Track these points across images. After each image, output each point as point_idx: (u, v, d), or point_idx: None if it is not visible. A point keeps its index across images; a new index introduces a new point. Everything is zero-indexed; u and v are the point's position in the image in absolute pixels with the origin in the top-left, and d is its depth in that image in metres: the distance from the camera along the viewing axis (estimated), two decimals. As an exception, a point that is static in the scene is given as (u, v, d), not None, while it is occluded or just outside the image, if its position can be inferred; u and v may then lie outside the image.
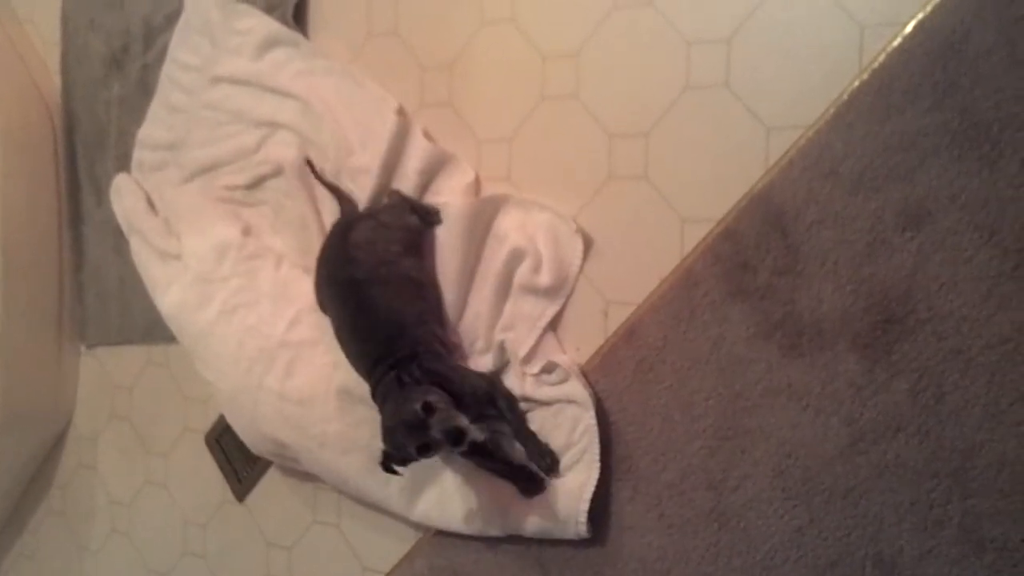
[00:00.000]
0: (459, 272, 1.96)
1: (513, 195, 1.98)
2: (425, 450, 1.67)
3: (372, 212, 2.05)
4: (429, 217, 2.01)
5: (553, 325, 1.91)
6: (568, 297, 1.90)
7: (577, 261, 1.88)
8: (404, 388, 1.73)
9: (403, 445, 1.68)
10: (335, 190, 2.14)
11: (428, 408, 1.64)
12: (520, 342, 1.90)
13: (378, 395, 1.82)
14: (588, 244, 1.88)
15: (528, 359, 1.89)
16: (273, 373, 2.13)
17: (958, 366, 1.50)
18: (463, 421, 1.66)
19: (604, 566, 1.83)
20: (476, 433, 1.69)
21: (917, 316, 1.54)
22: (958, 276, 1.50)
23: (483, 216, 1.97)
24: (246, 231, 2.32)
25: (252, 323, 2.20)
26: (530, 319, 1.91)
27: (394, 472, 1.77)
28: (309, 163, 2.19)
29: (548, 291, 1.89)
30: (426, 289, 1.94)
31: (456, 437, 1.64)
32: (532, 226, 1.93)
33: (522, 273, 1.92)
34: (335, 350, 1.98)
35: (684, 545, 1.74)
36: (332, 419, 2.07)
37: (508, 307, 1.94)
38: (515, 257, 1.92)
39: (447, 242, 1.97)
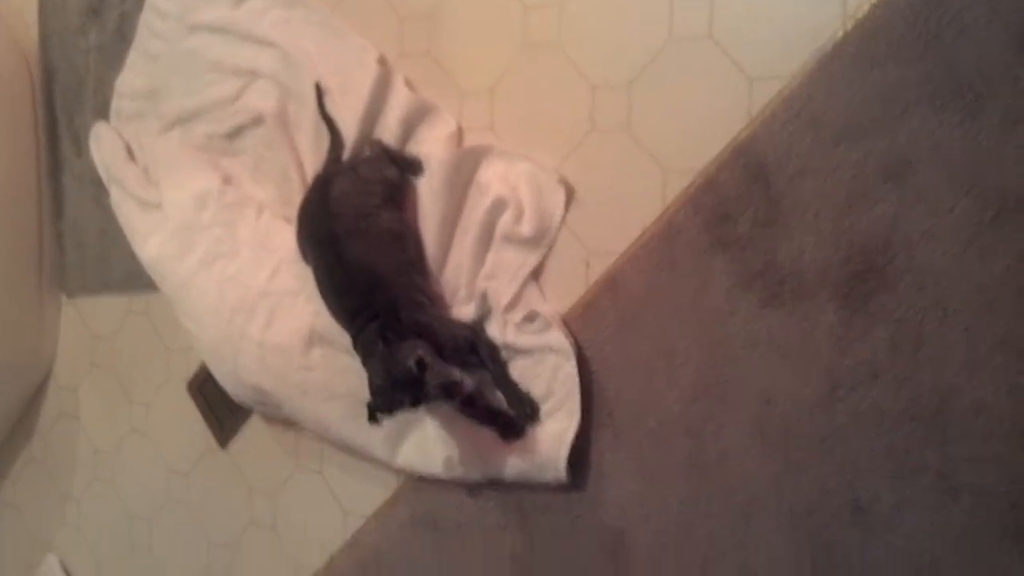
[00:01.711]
0: (441, 222, 1.95)
1: (495, 145, 1.98)
2: (418, 404, 1.69)
3: (352, 165, 2.04)
4: (411, 168, 2.00)
5: (535, 275, 1.91)
6: (550, 247, 1.90)
7: (559, 211, 1.88)
8: (390, 345, 1.73)
9: (398, 401, 1.69)
10: (331, 125, 2.11)
11: (422, 364, 1.66)
12: (502, 291, 1.90)
13: (359, 346, 1.84)
14: (571, 194, 1.88)
15: (510, 308, 1.89)
16: (254, 322, 2.14)
17: (936, 315, 1.52)
18: (457, 374, 1.69)
19: (584, 512, 1.86)
20: (470, 384, 1.70)
21: (896, 266, 1.55)
22: (938, 226, 1.51)
23: (465, 166, 1.96)
24: (226, 180, 2.31)
25: (232, 272, 2.20)
26: (512, 268, 1.91)
27: (378, 422, 1.78)
28: (318, 88, 2.14)
29: (530, 240, 1.89)
30: (406, 241, 1.94)
31: (452, 391, 1.66)
32: (514, 176, 1.93)
33: (504, 223, 1.92)
34: (316, 299, 1.99)
35: (663, 492, 1.77)
36: (313, 367, 2.07)
37: (490, 257, 1.94)
38: (497, 207, 1.92)
39: (429, 193, 1.96)
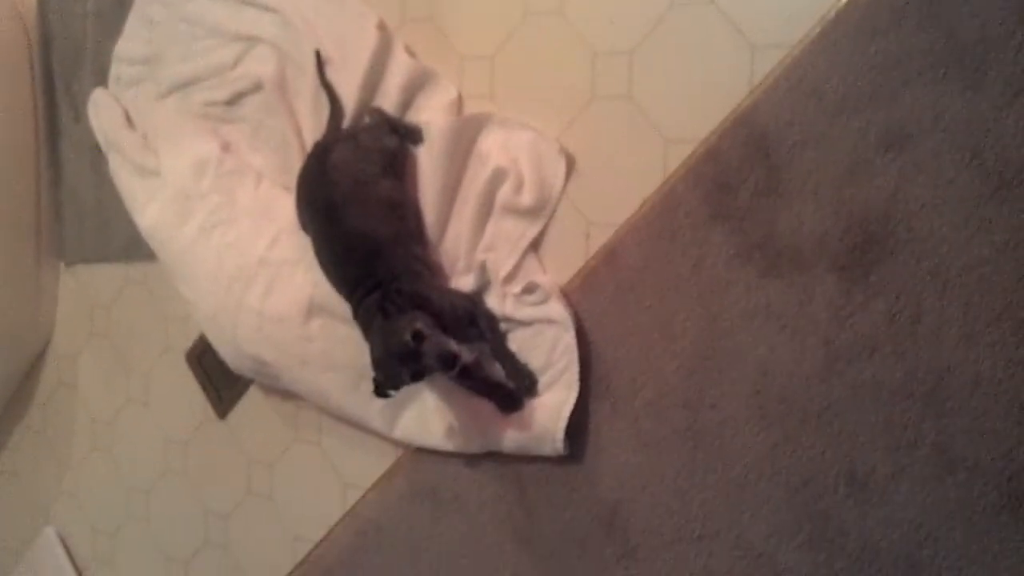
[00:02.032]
0: (440, 192, 1.94)
1: (496, 114, 1.96)
2: (419, 377, 1.69)
3: (352, 133, 2.03)
4: (411, 136, 1.99)
5: (535, 246, 1.90)
6: (550, 218, 1.89)
7: (559, 182, 1.87)
8: (389, 318, 1.73)
9: (397, 374, 1.70)
10: (331, 92, 2.10)
11: (418, 336, 1.65)
12: (501, 262, 1.89)
13: (359, 317, 1.84)
14: (571, 164, 1.87)
15: (509, 279, 1.89)
16: (253, 291, 2.13)
17: (936, 288, 1.51)
18: (453, 346, 1.68)
19: (582, 483, 1.86)
20: (467, 355, 1.70)
21: (896, 238, 1.54)
22: (939, 198, 1.50)
23: (465, 135, 1.95)
24: (225, 147, 2.30)
25: (231, 240, 2.19)
26: (511, 239, 1.90)
27: (388, 396, 1.79)
28: (318, 57, 2.12)
29: (530, 211, 1.88)
30: (405, 210, 1.93)
31: (449, 362, 1.66)
32: (515, 146, 1.92)
33: (504, 193, 1.91)
34: (315, 269, 1.98)
35: (660, 462, 1.77)
36: (313, 337, 2.07)
37: (489, 227, 1.93)
38: (497, 177, 1.91)
39: (428, 161, 1.95)
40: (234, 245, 2.18)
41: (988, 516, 1.48)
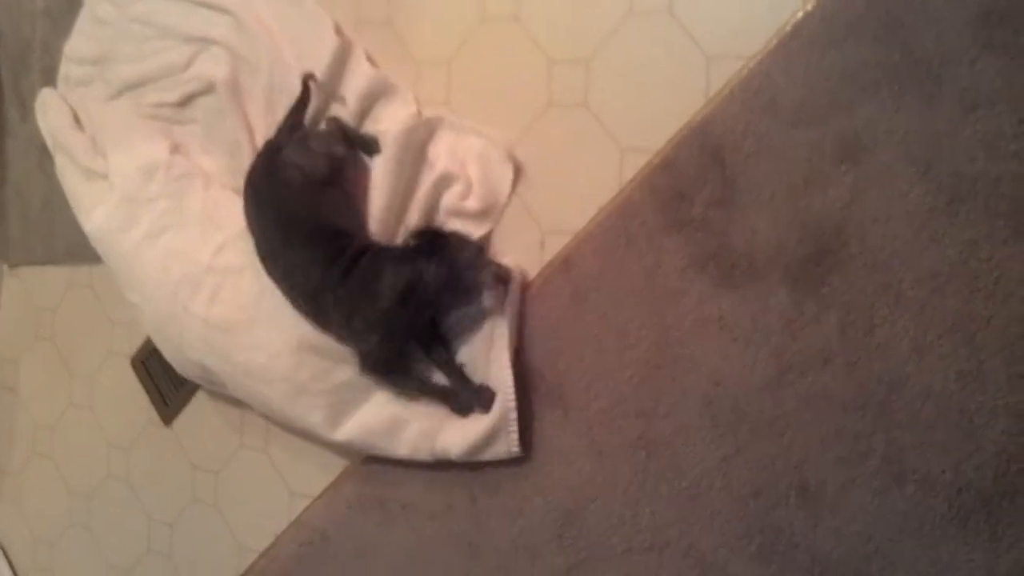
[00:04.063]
0: (390, 196, 1.93)
1: (446, 117, 1.96)
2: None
3: (303, 136, 2.00)
4: (366, 147, 1.98)
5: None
6: (497, 222, 1.88)
7: (507, 188, 1.87)
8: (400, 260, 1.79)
9: (413, 314, 1.79)
10: (305, 95, 2.06)
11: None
12: None
13: (350, 284, 1.82)
14: (519, 170, 1.87)
15: None
16: (198, 298, 2.09)
17: (888, 300, 1.52)
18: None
19: (533, 493, 1.84)
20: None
21: (849, 250, 1.55)
22: (892, 210, 1.51)
23: (415, 139, 1.94)
24: (174, 149, 2.26)
25: (178, 246, 2.15)
26: None
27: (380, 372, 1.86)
28: (308, 82, 2.07)
29: (476, 215, 1.88)
30: (351, 217, 1.94)
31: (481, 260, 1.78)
32: (463, 151, 1.91)
33: (450, 197, 1.90)
34: (262, 276, 1.95)
35: (613, 472, 1.76)
36: (257, 347, 2.03)
37: None
38: (444, 181, 1.90)
39: (381, 165, 1.93)
40: (180, 251, 2.14)
41: (937, 528, 1.49)
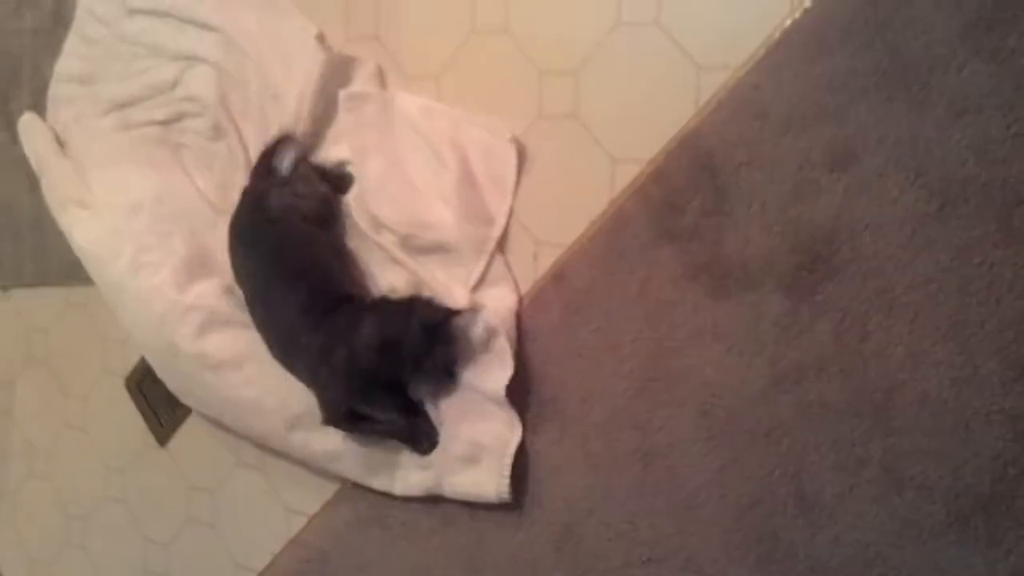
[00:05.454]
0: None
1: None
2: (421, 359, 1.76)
3: (283, 181, 1.99)
4: (338, 185, 1.99)
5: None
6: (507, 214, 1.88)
7: (512, 173, 1.87)
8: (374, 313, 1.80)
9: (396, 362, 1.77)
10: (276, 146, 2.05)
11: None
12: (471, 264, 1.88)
13: (324, 332, 1.83)
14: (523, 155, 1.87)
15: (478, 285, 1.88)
16: (184, 334, 2.07)
17: (882, 306, 1.52)
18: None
19: (531, 506, 1.84)
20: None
21: (842, 257, 1.54)
22: (883, 217, 1.51)
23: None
24: (165, 182, 2.25)
25: (157, 284, 2.11)
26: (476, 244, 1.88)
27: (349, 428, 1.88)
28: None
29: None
30: (344, 258, 1.97)
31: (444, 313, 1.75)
32: (464, 141, 1.91)
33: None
34: (247, 317, 1.99)
35: (609, 484, 1.75)
36: (248, 383, 2.04)
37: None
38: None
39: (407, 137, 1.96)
40: (160, 288, 2.11)
41: (936, 534, 1.49)
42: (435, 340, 1.75)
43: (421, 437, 1.88)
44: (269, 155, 2.02)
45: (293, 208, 1.91)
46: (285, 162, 2.00)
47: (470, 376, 1.83)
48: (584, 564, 1.79)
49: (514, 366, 1.77)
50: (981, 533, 1.46)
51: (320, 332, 1.82)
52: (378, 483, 1.97)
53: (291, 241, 1.89)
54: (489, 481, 1.82)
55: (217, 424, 2.24)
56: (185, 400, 2.23)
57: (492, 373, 1.79)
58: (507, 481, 1.80)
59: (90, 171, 2.33)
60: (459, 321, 1.76)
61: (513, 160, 1.85)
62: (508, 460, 1.80)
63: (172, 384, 2.21)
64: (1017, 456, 1.44)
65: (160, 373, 2.22)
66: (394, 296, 1.85)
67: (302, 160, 2.02)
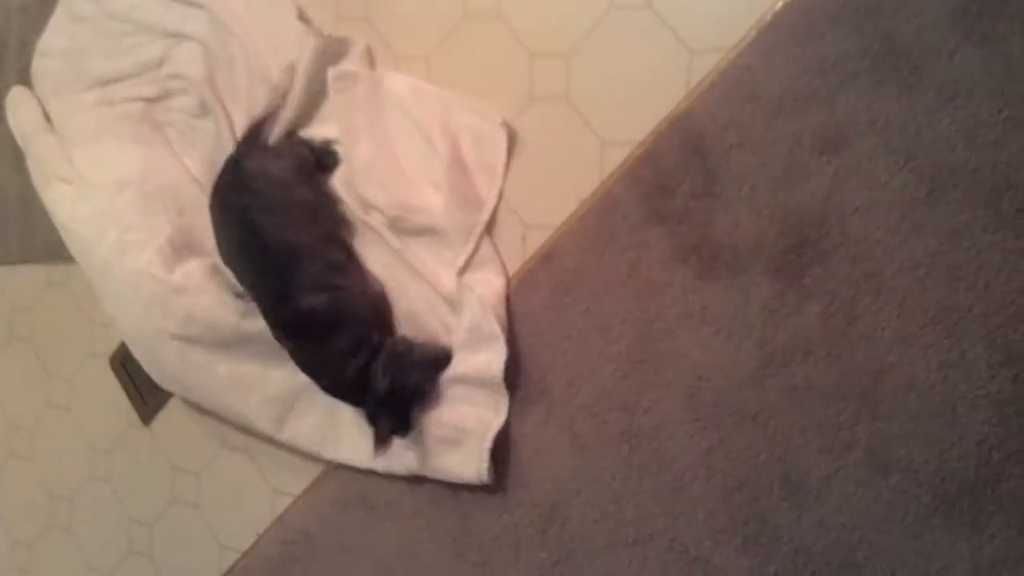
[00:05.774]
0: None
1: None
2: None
3: (264, 146, 1.99)
4: (325, 160, 1.98)
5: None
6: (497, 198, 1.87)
7: (502, 156, 1.86)
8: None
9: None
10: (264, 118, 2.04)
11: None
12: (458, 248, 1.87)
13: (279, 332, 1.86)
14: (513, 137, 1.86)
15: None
16: (171, 319, 2.05)
17: (870, 290, 1.52)
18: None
19: (516, 487, 1.84)
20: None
21: (831, 240, 1.55)
22: (873, 201, 1.51)
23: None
24: (149, 158, 2.23)
25: (143, 265, 2.09)
26: (465, 228, 1.87)
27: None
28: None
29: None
30: (321, 214, 1.93)
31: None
32: (454, 126, 1.89)
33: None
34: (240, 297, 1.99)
35: (596, 466, 1.75)
36: (238, 365, 2.04)
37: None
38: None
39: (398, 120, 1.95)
40: (146, 270, 2.09)
41: (921, 518, 1.50)
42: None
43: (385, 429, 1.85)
44: (257, 127, 2.01)
45: (266, 172, 1.89)
46: (271, 134, 1.99)
47: (460, 362, 1.83)
48: (569, 545, 1.79)
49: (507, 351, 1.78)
50: (966, 517, 1.47)
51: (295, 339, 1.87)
52: (362, 462, 1.97)
53: (261, 212, 1.85)
54: (470, 463, 1.82)
55: (201, 408, 2.24)
56: (170, 387, 2.22)
57: (485, 358, 1.79)
58: (487, 463, 1.80)
59: (73, 146, 2.31)
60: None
61: (503, 146, 1.84)
62: (488, 443, 1.80)
63: (155, 371, 2.19)
64: (1002, 440, 1.45)
65: (143, 360, 2.20)
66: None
67: (290, 133, 2.01)
